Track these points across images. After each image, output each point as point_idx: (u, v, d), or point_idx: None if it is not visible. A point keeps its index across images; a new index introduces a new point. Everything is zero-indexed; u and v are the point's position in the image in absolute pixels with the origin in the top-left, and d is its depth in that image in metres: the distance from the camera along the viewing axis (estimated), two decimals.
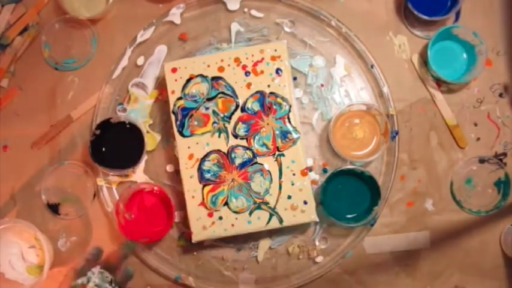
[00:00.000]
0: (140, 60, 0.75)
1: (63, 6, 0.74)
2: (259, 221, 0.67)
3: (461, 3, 0.72)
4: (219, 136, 0.69)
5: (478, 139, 0.73)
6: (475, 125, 0.73)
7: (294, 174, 0.68)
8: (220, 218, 0.68)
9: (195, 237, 0.68)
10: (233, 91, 0.69)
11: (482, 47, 0.70)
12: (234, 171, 0.68)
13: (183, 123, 0.69)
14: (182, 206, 0.70)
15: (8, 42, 0.77)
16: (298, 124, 0.69)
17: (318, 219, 0.67)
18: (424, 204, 0.72)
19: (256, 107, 0.69)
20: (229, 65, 0.69)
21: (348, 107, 0.71)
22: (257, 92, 0.69)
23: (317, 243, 0.72)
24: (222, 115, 0.69)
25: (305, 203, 0.67)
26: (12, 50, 0.77)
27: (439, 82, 0.73)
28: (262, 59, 0.69)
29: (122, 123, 0.72)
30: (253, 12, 0.75)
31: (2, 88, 0.76)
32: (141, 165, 0.74)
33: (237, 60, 0.69)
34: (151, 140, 0.74)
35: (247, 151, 0.68)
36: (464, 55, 0.74)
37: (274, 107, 0.69)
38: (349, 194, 0.70)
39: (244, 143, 0.69)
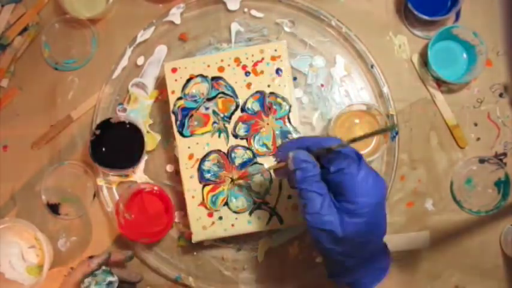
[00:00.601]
0: (140, 60, 0.75)
1: (63, 6, 0.74)
2: (259, 221, 0.67)
3: (461, 3, 0.72)
4: (219, 136, 0.69)
5: (478, 139, 0.73)
6: (475, 125, 0.73)
7: None
8: (220, 218, 0.68)
9: (195, 237, 0.68)
10: (233, 91, 0.69)
11: (482, 47, 0.70)
12: (234, 171, 0.68)
13: (183, 123, 0.69)
14: (182, 206, 0.70)
15: (8, 42, 0.77)
16: (298, 124, 0.69)
17: None
18: (424, 204, 0.72)
19: (256, 107, 0.69)
20: (229, 65, 0.69)
21: (348, 107, 0.71)
22: (257, 92, 0.69)
23: None
24: (222, 115, 0.69)
25: None
26: (12, 50, 0.77)
27: (439, 82, 0.73)
28: (262, 59, 0.69)
29: (122, 123, 0.72)
30: (253, 12, 0.75)
31: (2, 88, 0.76)
32: (141, 165, 0.74)
33: (237, 60, 0.69)
34: (151, 140, 0.74)
35: (247, 151, 0.68)
36: (464, 55, 0.74)
37: (274, 107, 0.69)
38: None
39: (244, 143, 0.69)
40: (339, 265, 0.54)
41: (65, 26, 0.76)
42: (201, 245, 0.72)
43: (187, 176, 0.68)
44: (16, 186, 0.75)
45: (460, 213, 0.72)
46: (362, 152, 0.71)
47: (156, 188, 0.71)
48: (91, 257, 0.64)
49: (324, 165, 0.52)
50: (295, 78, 0.73)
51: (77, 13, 0.75)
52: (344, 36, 0.74)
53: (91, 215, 0.74)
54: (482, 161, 0.72)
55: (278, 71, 0.69)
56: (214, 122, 0.69)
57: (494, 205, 0.72)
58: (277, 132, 0.68)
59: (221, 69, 0.70)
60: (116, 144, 0.72)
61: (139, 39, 0.75)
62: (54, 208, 0.74)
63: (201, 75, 0.69)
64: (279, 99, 0.69)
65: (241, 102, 0.69)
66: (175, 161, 0.71)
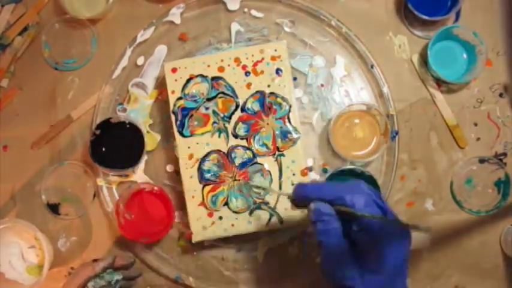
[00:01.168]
0: (140, 60, 0.75)
1: (63, 6, 0.74)
2: (259, 221, 0.67)
3: (461, 3, 0.72)
4: (219, 136, 0.69)
5: (478, 139, 0.73)
6: (475, 125, 0.73)
7: (294, 174, 0.68)
8: (220, 218, 0.68)
9: (195, 237, 0.68)
10: (233, 91, 0.69)
11: (482, 47, 0.70)
12: (234, 171, 0.68)
13: (183, 123, 0.69)
14: (182, 206, 0.70)
15: (8, 42, 0.77)
16: (298, 124, 0.69)
17: None
18: (424, 204, 0.72)
19: (256, 107, 0.69)
20: (229, 65, 0.69)
21: (348, 107, 0.71)
22: (257, 92, 0.69)
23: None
24: (222, 115, 0.69)
25: None
26: (12, 50, 0.77)
27: (439, 82, 0.73)
28: (262, 59, 0.69)
29: (122, 123, 0.72)
30: (253, 12, 0.75)
31: (2, 88, 0.76)
32: (141, 165, 0.74)
33: (237, 60, 0.69)
34: (151, 140, 0.74)
35: (247, 151, 0.68)
36: (464, 55, 0.74)
37: (274, 107, 0.69)
38: None
39: (244, 143, 0.69)
40: None
41: (65, 26, 0.76)
42: (201, 245, 0.72)
43: (187, 176, 0.68)
44: (16, 186, 0.75)
45: (460, 213, 0.72)
46: (362, 152, 0.71)
47: (156, 188, 0.71)
48: (95, 260, 0.65)
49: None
50: (295, 78, 0.73)
51: (77, 13, 0.75)
52: (344, 36, 0.74)
53: (91, 215, 0.74)
54: (482, 161, 0.72)
55: (278, 71, 0.69)
56: (214, 122, 0.69)
57: (494, 205, 0.72)
58: (277, 132, 0.68)
59: (221, 69, 0.70)
60: (116, 144, 0.72)
61: (139, 39, 0.75)
62: (54, 208, 0.74)
63: (201, 75, 0.69)
64: (279, 99, 0.69)
65: (241, 102, 0.69)
66: (175, 161, 0.71)
